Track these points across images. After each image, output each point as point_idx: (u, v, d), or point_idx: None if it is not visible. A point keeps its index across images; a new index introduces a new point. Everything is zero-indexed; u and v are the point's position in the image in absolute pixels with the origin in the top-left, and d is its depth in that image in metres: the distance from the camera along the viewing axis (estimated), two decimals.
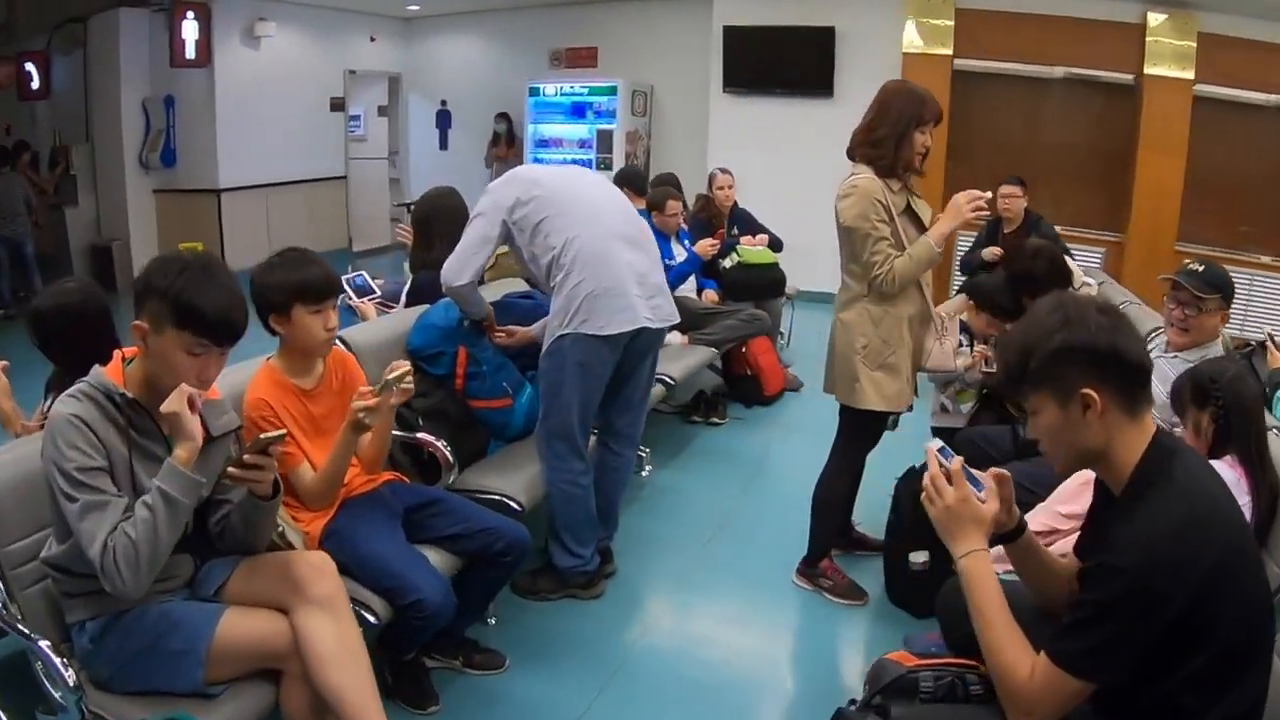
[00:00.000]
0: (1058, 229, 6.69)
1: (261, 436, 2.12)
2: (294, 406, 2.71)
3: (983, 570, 1.84)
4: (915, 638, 3.16)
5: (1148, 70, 8.22)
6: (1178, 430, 2.76)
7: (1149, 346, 3.21)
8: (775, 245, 6.54)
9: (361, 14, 12.30)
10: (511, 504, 3.37)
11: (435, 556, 2.83)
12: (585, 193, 3.50)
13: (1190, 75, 8.17)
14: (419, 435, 3.35)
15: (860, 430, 3.49)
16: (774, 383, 6.12)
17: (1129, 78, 8.43)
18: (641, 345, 3.48)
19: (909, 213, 3.30)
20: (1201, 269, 3.39)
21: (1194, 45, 8.09)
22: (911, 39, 8.67)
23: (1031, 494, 2.85)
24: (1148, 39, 8.17)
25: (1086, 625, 1.65)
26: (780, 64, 9.37)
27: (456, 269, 3.40)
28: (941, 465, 1.89)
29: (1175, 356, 3.39)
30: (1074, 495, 2.72)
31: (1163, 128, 8.28)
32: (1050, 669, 1.67)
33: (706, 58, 9.90)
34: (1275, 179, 8.62)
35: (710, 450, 5.43)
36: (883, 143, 3.22)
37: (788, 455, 5.35)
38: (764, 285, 6.34)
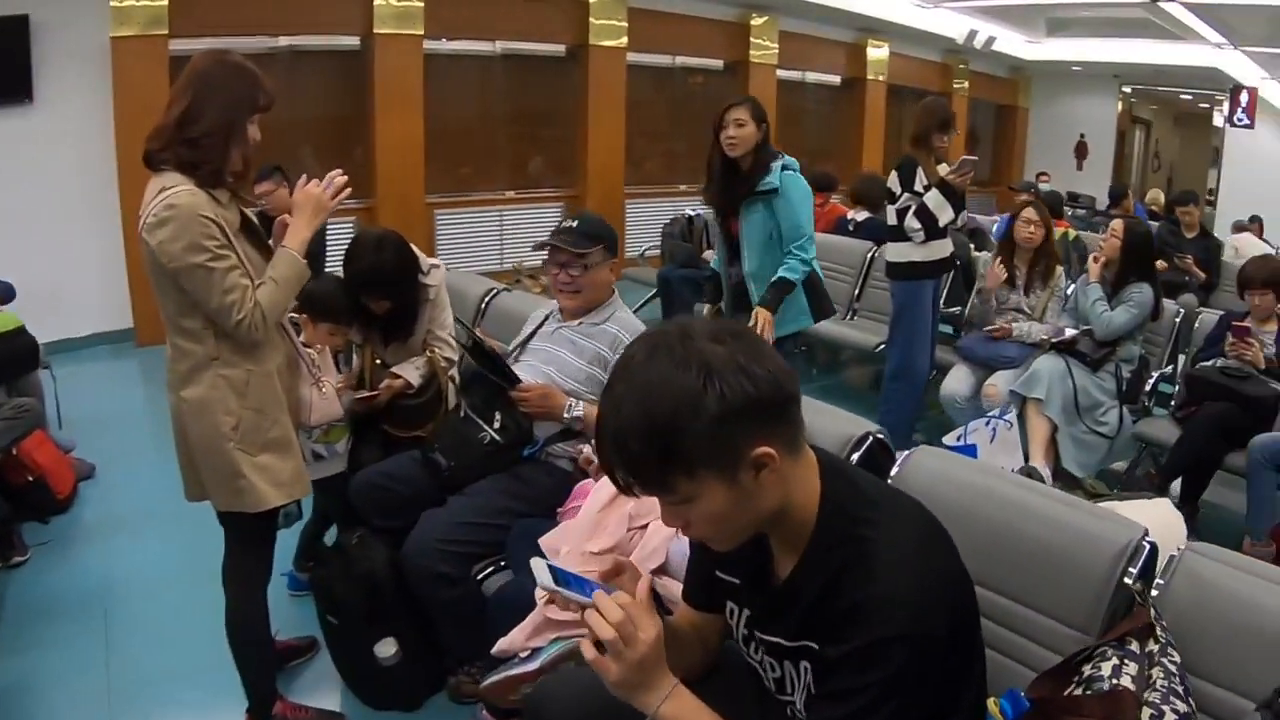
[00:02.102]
0: None
1: None
2: None
3: (691, 704, 1.44)
4: None
5: (378, 31, 8.08)
6: None
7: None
8: (5, 297, 4.83)
9: None
10: None
11: None
12: None
13: (420, 32, 8.25)
14: None
15: (261, 536, 2.60)
16: (63, 481, 4.41)
17: (355, 41, 8.24)
18: None
19: (248, 229, 2.46)
20: (575, 223, 3.03)
21: (421, 5, 8.15)
22: (120, 21, 7.08)
23: None
24: (375, 2, 8.05)
25: (876, 708, 1.32)
26: None
27: None
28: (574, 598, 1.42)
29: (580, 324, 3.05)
30: (600, 526, 2.33)
31: (398, 86, 8.25)
32: None
33: None
34: (500, 122, 9.58)
35: (39, 608, 3.57)
36: (206, 140, 2.31)
37: (150, 574, 3.80)
38: (10, 360, 4.53)
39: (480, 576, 2.69)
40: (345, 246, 3.33)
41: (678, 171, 11.09)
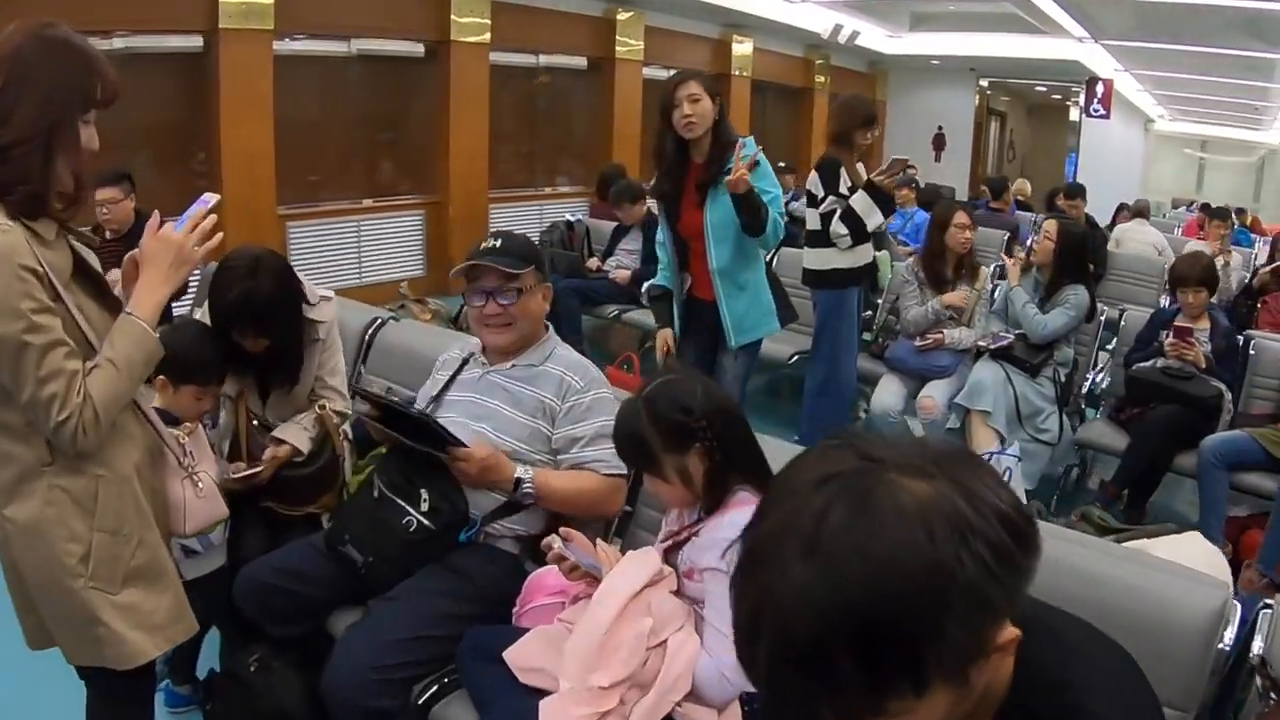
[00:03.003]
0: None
1: None
2: None
3: None
4: None
5: (224, 26, 7.28)
6: None
7: None
8: None
9: None
10: None
11: None
12: None
13: (270, 27, 7.49)
14: None
15: (132, 694, 1.94)
16: None
17: (198, 41, 7.40)
18: None
19: (83, 275, 1.80)
20: (498, 242, 2.48)
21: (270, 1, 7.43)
22: None
23: None
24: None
25: None
26: None
27: None
28: None
29: (513, 367, 2.50)
30: (609, 650, 1.82)
31: (246, 88, 7.47)
32: None
33: None
34: (356, 126, 9.01)
35: None
36: (18, 150, 1.64)
37: None
38: None
39: (422, 699, 2.07)
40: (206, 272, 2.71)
41: (539, 174, 10.75)
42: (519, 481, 2.29)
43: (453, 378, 2.56)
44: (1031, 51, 13.50)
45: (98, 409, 1.66)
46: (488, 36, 9.10)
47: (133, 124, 7.38)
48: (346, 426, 2.77)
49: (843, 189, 4.47)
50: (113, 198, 4.70)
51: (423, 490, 2.24)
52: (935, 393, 4.64)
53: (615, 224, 6.63)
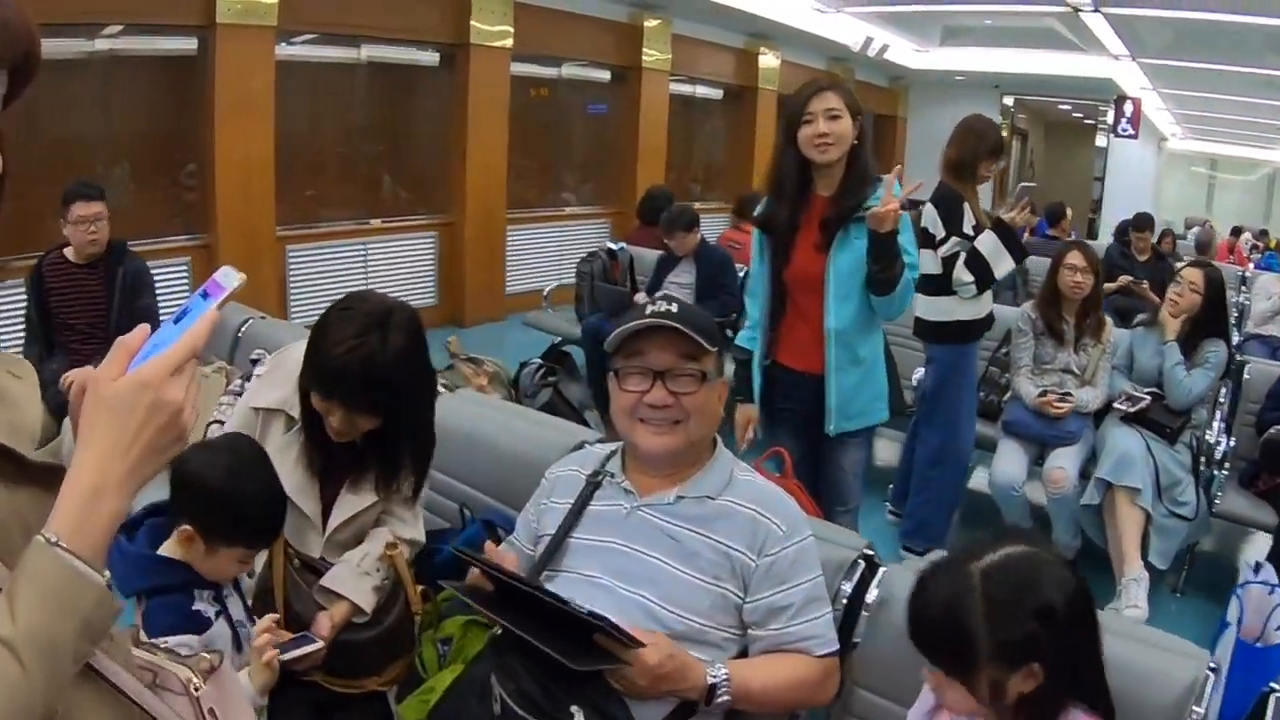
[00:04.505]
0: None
1: None
2: None
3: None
4: None
5: (221, 22, 6.54)
6: None
7: None
8: None
9: None
10: None
11: None
12: None
13: (273, 23, 6.78)
14: None
15: None
16: None
17: (191, 42, 6.72)
18: None
19: None
20: (674, 306, 1.76)
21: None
22: None
23: None
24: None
25: None
26: None
27: None
28: None
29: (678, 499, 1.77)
30: None
31: (244, 92, 6.74)
32: None
33: None
34: (364, 139, 8.41)
35: None
36: None
37: None
38: None
39: None
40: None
41: (560, 191, 10.18)
42: (713, 688, 1.57)
43: (578, 510, 1.82)
44: (1061, 68, 13.00)
45: None
46: (510, 42, 8.43)
47: (110, 132, 6.76)
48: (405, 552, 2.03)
49: (967, 228, 3.79)
50: (100, 213, 4.01)
51: (574, 709, 1.49)
52: (1064, 462, 4.00)
53: (662, 253, 5.91)
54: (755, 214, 3.14)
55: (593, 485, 1.82)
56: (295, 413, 1.95)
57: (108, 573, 0.85)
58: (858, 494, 3.12)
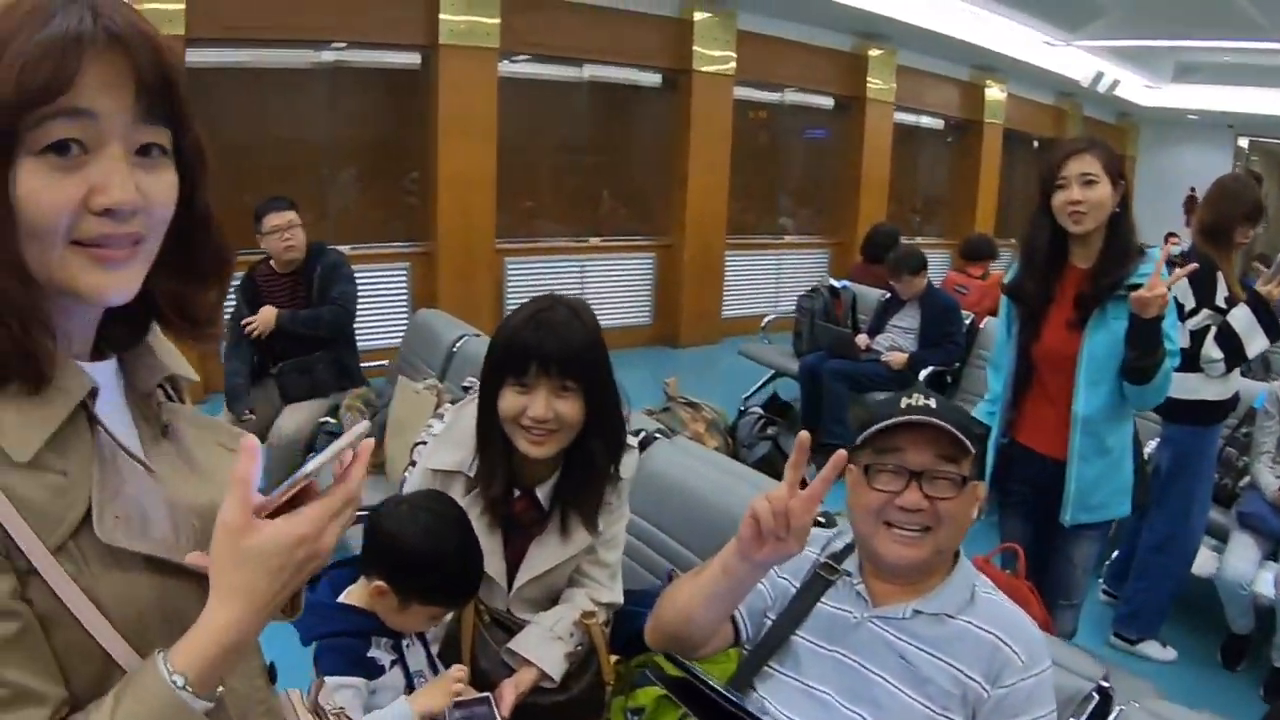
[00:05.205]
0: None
1: None
2: None
3: None
4: None
5: (444, 43, 6.80)
6: None
7: None
8: None
9: None
10: None
11: None
12: None
13: (495, 45, 7.00)
14: None
15: None
16: None
17: (415, 57, 7.02)
18: None
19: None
20: (932, 400, 1.60)
21: (497, 22, 6.97)
22: None
23: None
24: (441, 15, 6.77)
25: None
26: None
27: None
28: None
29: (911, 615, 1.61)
30: None
31: (467, 108, 6.98)
32: None
33: None
34: (584, 157, 8.52)
35: None
36: None
37: None
38: None
39: None
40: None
41: (779, 219, 10.10)
42: None
43: (809, 604, 1.68)
44: None
45: None
46: (732, 67, 8.39)
47: (335, 138, 7.10)
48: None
49: (1219, 300, 3.45)
50: (292, 221, 4.08)
51: None
52: None
53: (886, 295, 5.73)
54: (1005, 281, 2.94)
55: (825, 582, 1.69)
56: (474, 474, 1.91)
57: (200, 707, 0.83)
58: (1084, 589, 2.87)
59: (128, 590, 0.85)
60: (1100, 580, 4.17)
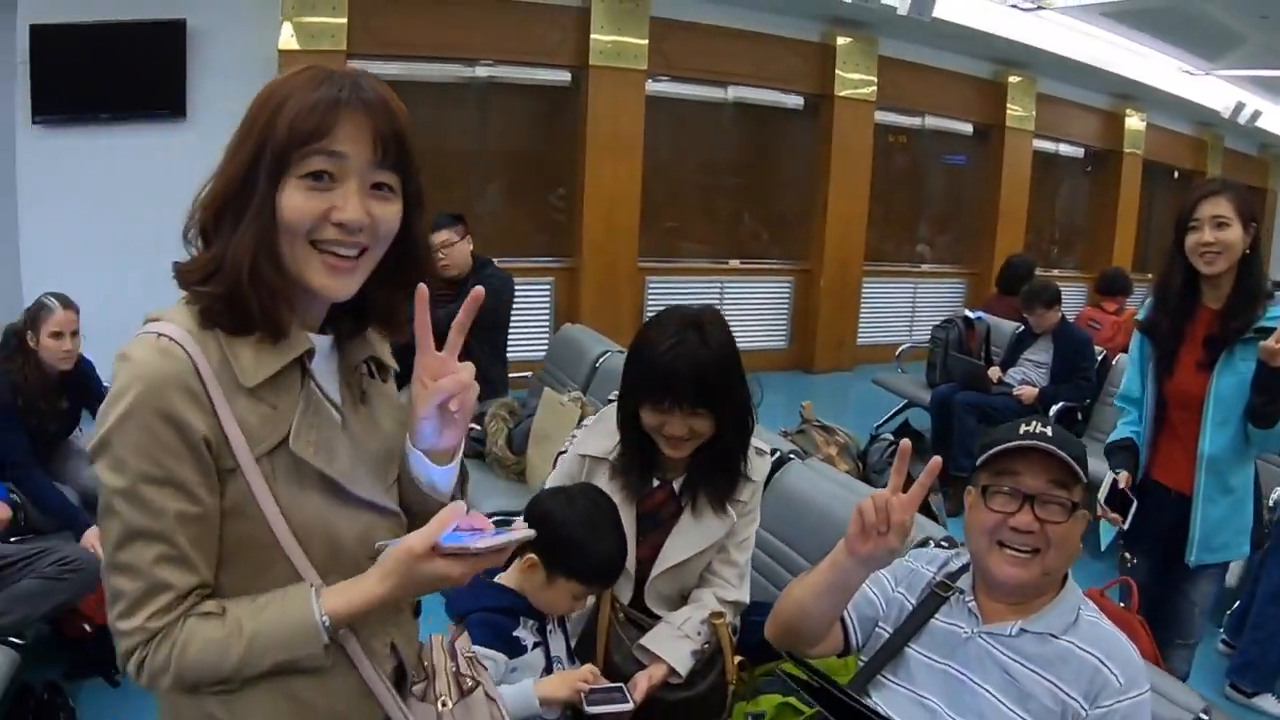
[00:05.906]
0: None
1: None
2: None
3: None
4: None
5: (594, 64, 7.08)
6: None
7: None
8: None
9: None
10: None
11: None
12: None
13: (643, 67, 7.24)
14: None
15: None
16: None
17: (565, 76, 7.26)
18: None
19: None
20: (1048, 427, 1.69)
21: (645, 43, 7.22)
22: (290, 33, 6.12)
23: None
24: (593, 36, 7.05)
25: None
26: (111, 75, 6.02)
27: None
28: None
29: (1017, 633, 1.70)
30: None
31: (614, 127, 7.23)
32: None
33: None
34: (726, 179, 8.67)
35: None
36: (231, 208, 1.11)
37: None
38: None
39: None
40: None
41: (915, 247, 10.03)
42: None
43: (923, 619, 1.79)
44: None
45: (175, 667, 1.08)
46: (873, 92, 8.44)
47: (485, 151, 7.41)
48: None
49: None
50: (447, 240, 4.17)
51: None
52: None
53: (1019, 328, 5.71)
54: (1139, 317, 2.96)
55: (939, 599, 1.80)
56: (617, 460, 2.09)
57: (326, 637, 1.13)
58: (1200, 630, 2.87)
59: (302, 501, 1.13)
60: (1221, 630, 4.10)
